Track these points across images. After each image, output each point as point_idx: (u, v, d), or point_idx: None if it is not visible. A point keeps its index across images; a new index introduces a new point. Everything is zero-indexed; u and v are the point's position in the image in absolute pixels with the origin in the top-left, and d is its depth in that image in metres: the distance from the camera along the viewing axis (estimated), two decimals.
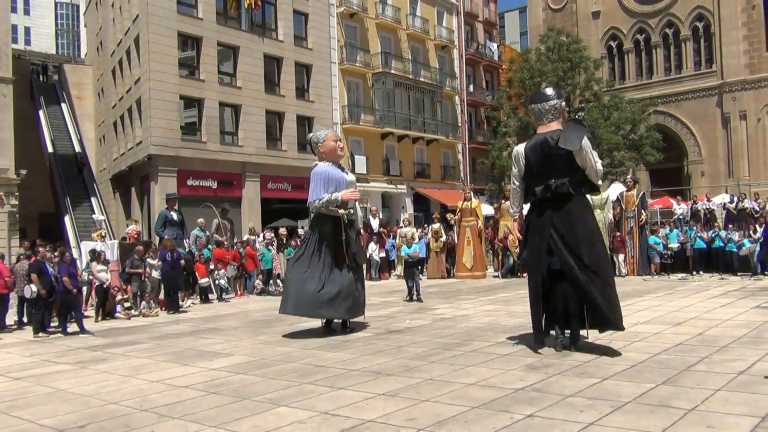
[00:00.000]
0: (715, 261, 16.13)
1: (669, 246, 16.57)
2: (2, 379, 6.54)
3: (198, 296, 14.61)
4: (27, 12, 74.73)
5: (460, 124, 42.56)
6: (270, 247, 16.95)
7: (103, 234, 15.75)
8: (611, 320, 6.19)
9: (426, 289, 13.24)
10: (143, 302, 12.40)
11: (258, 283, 16.21)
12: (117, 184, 34.99)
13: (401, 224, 20.40)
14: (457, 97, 42.64)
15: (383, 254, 19.01)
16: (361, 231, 13.05)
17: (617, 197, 17.20)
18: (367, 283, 9.94)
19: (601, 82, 39.29)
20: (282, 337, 8.48)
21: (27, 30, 72.95)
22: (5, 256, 12.94)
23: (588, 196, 6.70)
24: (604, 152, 32.68)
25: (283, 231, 18.75)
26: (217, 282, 14.97)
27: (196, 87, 28.67)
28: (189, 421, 4.54)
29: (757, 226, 16.76)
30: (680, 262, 16.46)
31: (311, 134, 9.29)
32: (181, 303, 13.25)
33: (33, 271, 10.27)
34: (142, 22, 27.90)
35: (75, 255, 15.08)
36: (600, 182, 6.79)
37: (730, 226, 17.69)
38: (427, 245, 18.45)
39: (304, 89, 33.63)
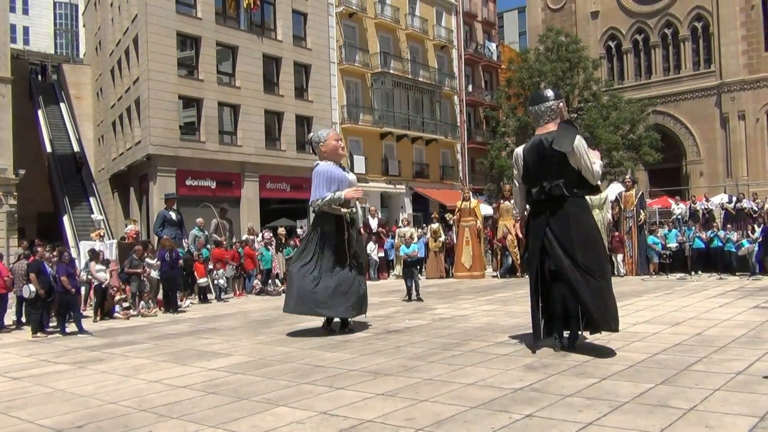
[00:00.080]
0: (714, 261, 16.14)
1: (667, 246, 16.57)
2: (1, 379, 6.53)
3: (197, 296, 14.61)
4: (26, 12, 74.68)
5: (458, 124, 42.57)
6: (269, 247, 16.95)
7: (102, 234, 15.74)
8: (599, 322, 6.20)
9: (425, 288, 13.24)
10: (142, 302, 12.39)
11: (257, 283, 16.20)
12: (116, 184, 34.96)
13: (400, 224, 20.41)
14: (456, 97, 42.64)
15: (382, 254, 19.01)
16: (361, 231, 13.05)
17: (616, 197, 17.22)
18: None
19: (600, 82, 39.31)
20: (281, 337, 8.47)
21: (26, 30, 72.89)
22: (4, 256, 12.93)
23: (587, 196, 6.71)
24: (602, 152, 32.68)
25: (281, 231, 18.74)
26: (215, 282, 14.96)
27: (195, 87, 28.65)
28: (187, 421, 4.54)
29: (755, 226, 16.77)
30: (679, 262, 16.47)
31: (312, 134, 9.31)
32: (179, 303, 13.24)
33: (31, 270, 10.26)
34: (141, 22, 27.88)
35: (73, 255, 15.06)
36: (599, 182, 6.80)
37: (729, 226, 17.71)
38: (426, 245, 18.45)
39: (303, 89, 33.63)
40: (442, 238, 18.42)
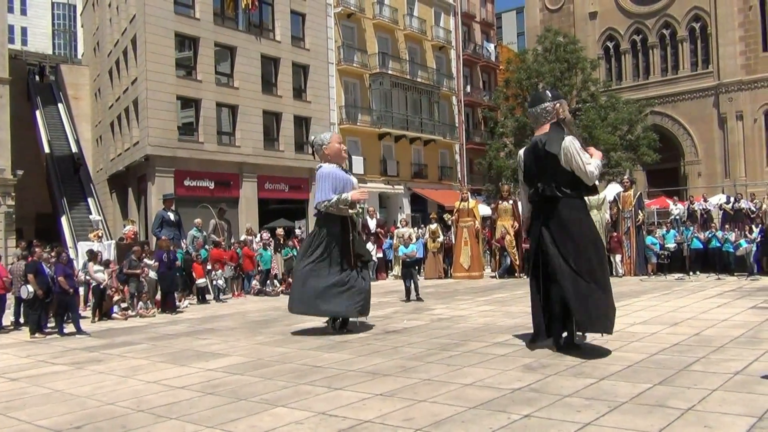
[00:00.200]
0: (712, 261, 16.16)
1: (666, 246, 16.59)
2: None
3: (195, 297, 14.60)
4: (24, 12, 74.62)
5: (457, 125, 42.58)
6: (267, 247, 16.95)
7: (100, 234, 15.74)
8: (583, 324, 6.21)
9: (423, 289, 13.24)
10: (140, 303, 12.38)
11: (255, 283, 16.20)
12: (114, 184, 34.93)
13: (398, 225, 20.41)
14: (454, 98, 42.66)
15: (380, 254, 19.01)
16: (360, 231, 13.11)
17: (614, 197, 17.25)
18: None
19: (598, 83, 39.30)
20: (279, 337, 8.47)
21: (24, 30, 72.82)
22: (2, 257, 12.93)
23: (586, 197, 6.71)
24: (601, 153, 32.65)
25: (280, 231, 18.74)
26: (214, 282, 14.95)
27: (193, 87, 28.63)
28: (186, 421, 4.54)
29: (753, 226, 16.79)
30: (677, 263, 16.49)
31: (314, 136, 9.36)
32: (178, 303, 13.24)
33: (29, 271, 10.24)
34: (139, 23, 27.86)
35: (72, 255, 15.05)
36: (597, 183, 6.81)
37: (727, 226, 17.74)
38: (425, 245, 18.46)
39: (301, 90, 33.62)
40: (441, 238, 18.42)
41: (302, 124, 33.19)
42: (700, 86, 42.43)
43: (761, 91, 40.38)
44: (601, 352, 6.19)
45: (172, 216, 15.52)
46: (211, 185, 28.69)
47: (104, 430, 4.46)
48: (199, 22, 28.94)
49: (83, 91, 42.46)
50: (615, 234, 16.57)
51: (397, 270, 18.23)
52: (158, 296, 13.19)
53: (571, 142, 6.23)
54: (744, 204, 21.01)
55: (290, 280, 16.12)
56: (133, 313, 12.16)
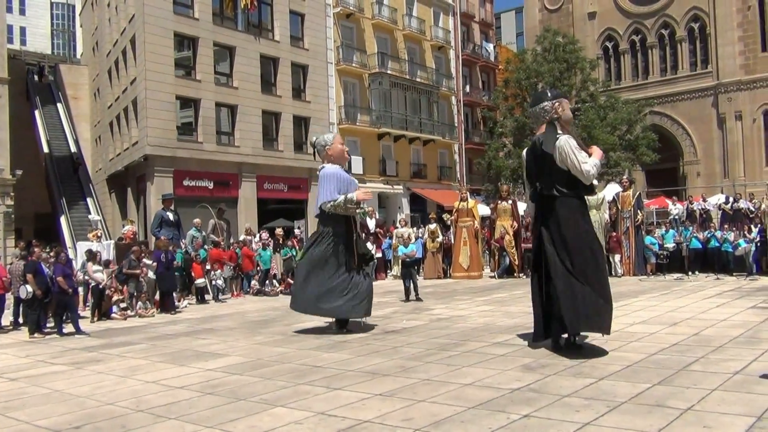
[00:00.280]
0: (711, 261, 16.17)
1: (665, 246, 16.61)
2: None
3: (194, 297, 14.59)
4: (22, 12, 74.55)
5: (456, 125, 42.59)
6: (267, 247, 16.94)
7: (99, 234, 15.73)
8: (570, 324, 6.17)
9: (422, 289, 13.24)
10: (139, 303, 12.38)
11: (254, 283, 16.19)
12: (113, 184, 34.92)
13: (398, 225, 20.41)
14: (453, 98, 42.67)
15: (379, 254, 19.00)
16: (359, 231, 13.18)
17: (613, 197, 17.26)
18: None
19: (597, 83, 39.37)
20: (278, 337, 8.47)
21: (23, 30, 72.75)
22: (1, 257, 12.91)
23: (586, 197, 6.71)
24: None
25: (279, 231, 18.73)
26: (213, 282, 14.94)
27: (192, 87, 28.63)
28: (185, 421, 4.54)
29: (752, 226, 16.79)
30: (676, 263, 16.50)
31: (316, 137, 9.38)
32: (177, 303, 13.23)
33: (28, 271, 10.23)
34: (138, 22, 27.85)
35: (71, 255, 15.04)
36: (596, 182, 6.81)
37: (726, 226, 17.74)
38: (424, 245, 18.46)
39: (300, 89, 33.62)
40: (440, 238, 18.42)
41: (301, 124, 33.19)
42: (699, 86, 42.48)
43: (760, 91, 40.43)
44: (600, 352, 6.20)
45: (171, 216, 15.52)
46: (210, 185, 28.69)
47: (103, 430, 4.46)
48: (198, 22, 28.94)
49: (82, 91, 42.45)
50: (614, 234, 16.57)
51: (396, 270, 18.23)
52: (157, 296, 13.17)
53: (565, 141, 6.22)
54: (743, 204, 21.02)
55: (289, 280, 16.15)
56: (132, 313, 12.16)
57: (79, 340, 9.31)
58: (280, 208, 31.94)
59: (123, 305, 12.35)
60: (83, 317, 11.33)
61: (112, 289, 12.30)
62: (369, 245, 18.31)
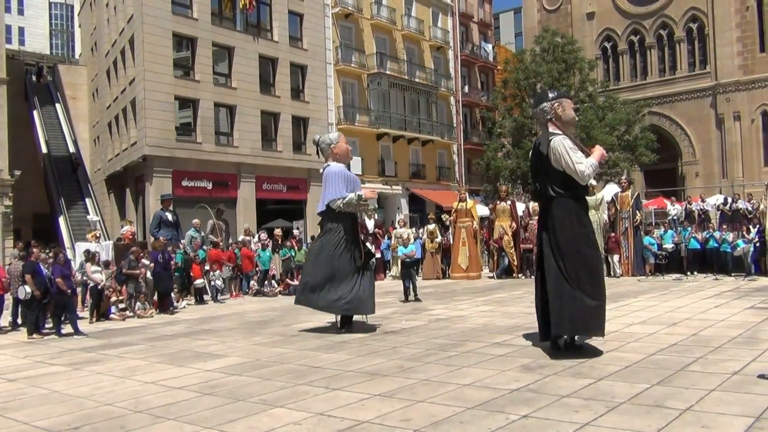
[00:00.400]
0: (710, 261, 16.19)
1: (663, 246, 16.62)
2: None
3: (193, 297, 14.58)
4: (21, 12, 74.45)
5: (455, 125, 42.59)
6: (266, 248, 16.93)
7: (98, 235, 15.72)
8: (556, 326, 6.18)
9: (421, 289, 13.24)
10: (138, 303, 12.37)
11: (253, 284, 16.18)
12: (111, 184, 34.89)
13: (397, 225, 20.42)
14: (452, 98, 42.67)
15: (378, 255, 19.00)
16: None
17: (612, 198, 17.27)
18: None
19: (596, 83, 39.38)
20: (277, 338, 8.47)
21: (21, 30, 72.65)
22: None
23: (587, 197, 6.72)
24: None
25: (278, 232, 18.72)
26: (212, 283, 14.94)
27: (191, 87, 28.60)
28: (184, 422, 4.54)
29: (750, 226, 16.81)
30: (675, 263, 16.52)
31: (320, 136, 9.46)
32: (176, 304, 13.23)
33: (27, 272, 10.23)
34: (137, 23, 27.83)
35: (69, 256, 15.03)
36: (594, 182, 6.84)
37: (724, 226, 17.75)
38: (423, 246, 18.46)
39: (299, 90, 33.60)
40: (439, 239, 18.43)
41: (300, 124, 33.18)
42: (697, 87, 42.52)
43: (758, 92, 40.48)
44: (599, 353, 6.20)
45: (170, 216, 15.51)
46: (209, 185, 28.67)
47: (102, 431, 4.46)
48: (196, 22, 28.91)
49: (81, 91, 42.41)
50: (613, 234, 16.58)
51: (395, 270, 18.24)
52: (155, 297, 13.17)
53: (559, 142, 6.22)
54: (741, 204, 21.03)
55: (288, 281, 16.17)
56: (131, 314, 12.15)
57: (78, 341, 9.30)
58: (279, 208, 31.92)
59: (122, 306, 12.34)
60: (82, 318, 11.32)
61: (111, 290, 12.30)
62: (368, 245, 18.42)
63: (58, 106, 40.32)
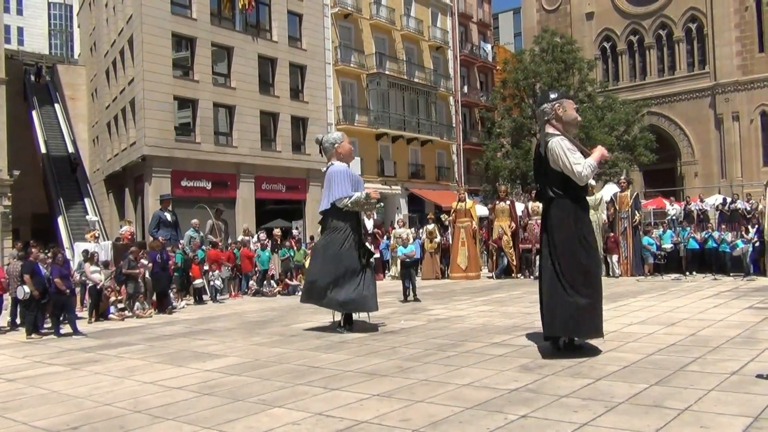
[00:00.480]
0: (708, 261, 16.20)
1: (662, 247, 16.63)
2: None
3: (192, 297, 14.58)
4: (20, 12, 74.36)
5: (454, 125, 42.60)
6: (265, 248, 16.93)
7: (97, 235, 15.71)
8: (547, 325, 6.24)
9: (420, 289, 13.24)
10: (137, 303, 12.37)
11: (252, 284, 16.18)
12: (111, 184, 34.87)
13: (396, 225, 20.43)
14: (451, 98, 42.68)
15: (377, 255, 18.99)
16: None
17: (611, 198, 17.27)
18: None
19: (595, 83, 39.40)
20: (276, 338, 8.47)
21: (20, 30, 72.57)
22: None
23: (588, 197, 6.72)
24: None
25: (277, 232, 18.73)
26: (211, 283, 14.93)
27: (190, 88, 28.59)
28: (183, 422, 4.54)
29: (749, 226, 16.82)
30: (673, 263, 16.53)
31: (323, 135, 9.50)
32: (175, 304, 13.23)
33: (26, 272, 10.23)
34: (136, 23, 27.82)
35: (68, 256, 15.03)
36: (593, 182, 6.84)
37: (723, 226, 17.77)
38: (422, 246, 18.47)
39: (298, 90, 33.59)
40: (438, 239, 18.44)
41: (299, 124, 33.17)
42: (696, 87, 42.56)
43: (757, 92, 40.51)
44: (598, 353, 6.21)
45: (169, 216, 15.51)
46: (209, 186, 28.66)
47: (101, 431, 4.46)
48: (196, 22, 28.90)
49: (80, 91, 42.38)
50: (612, 234, 16.59)
51: (394, 270, 18.25)
52: (154, 297, 13.17)
53: (557, 143, 6.21)
54: (740, 204, 21.05)
55: (287, 281, 16.17)
56: (130, 314, 12.15)
57: (77, 341, 9.30)
58: (278, 208, 31.92)
59: (120, 306, 12.34)
60: (80, 318, 11.32)
61: (110, 290, 12.30)
62: (367, 245, 18.41)
63: (57, 106, 40.29)
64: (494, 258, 18.07)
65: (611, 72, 46.29)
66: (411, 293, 12.42)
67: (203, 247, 15.62)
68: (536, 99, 37.31)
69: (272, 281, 16.35)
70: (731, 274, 15.22)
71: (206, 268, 14.98)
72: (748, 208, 20.23)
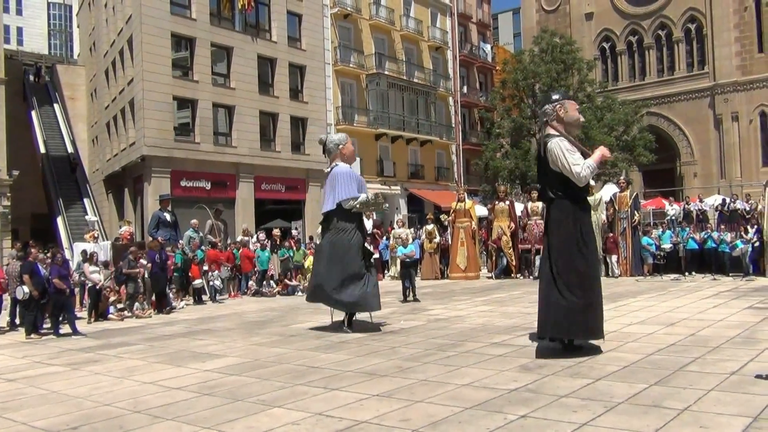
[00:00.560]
0: (708, 262, 16.20)
1: (662, 247, 16.63)
2: None
3: (191, 297, 14.58)
4: (19, 12, 74.32)
5: (453, 125, 42.62)
6: (265, 248, 16.92)
7: (96, 235, 15.70)
8: (540, 326, 6.26)
9: (420, 289, 13.24)
10: (136, 303, 12.37)
11: (252, 284, 16.18)
12: (110, 185, 34.87)
13: (395, 225, 20.42)
14: (450, 98, 42.69)
15: (377, 255, 18.98)
16: None
17: (610, 198, 17.28)
18: None
19: (594, 84, 39.42)
20: (276, 338, 8.47)
21: (19, 30, 72.53)
22: None
23: (588, 198, 6.72)
24: None
25: (276, 232, 18.72)
26: (210, 283, 14.93)
27: (189, 88, 28.59)
28: (182, 422, 4.54)
29: (748, 226, 16.83)
30: (673, 263, 16.53)
31: (327, 136, 9.60)
32: (174, 304, 13.23)
33: (25, 272, 10.23)
34: (136, 23, 27.82)
35: (68, 256, 15.02)
36: (592, 182, 6.83)
37: (722, 226, 17.77)
38: (421, 246, 18.47)
39: (297, 90, 33.60)
40: (437, 239, 18.44)
41: (299, 124, 33.18)
42: (695, 87, 42.58)
43: (756, 92, 40.53)
44: (597, 353, 6.21)
45: (168, 216, 15.50)
46: (208, 186, 28.66)
47: (101, 431, 4.46)
48: (195, 22, 28.90)
49: (79, 91, 42.37)
50: (611, 235, 16.60)
51: (393, 271, 18.25)
52: (153, 297, 13.17)
53: (556, 144, 6.20)
54: (739, 205, 21.05)
55: (287, 281, 16.17)
56: (129, 314, 12.15)
57: (76, 341, 9.30)
58: (277, 208, 31.92)
59: (120, 306, 12.34)
60: (80, 318, 11.32)
61: (109, 290, 12.29)
62: (366, 245, 18.41)
63: (56, 106, 40.28)
64: (493, 258, 18.07)
65: (610, 72, 46.32)
66: (410, 293, 12.42)
67: (202, 247, 15.61)
68: (535, 99, 37.46)
69: (271, 281, 16.35)
70: (730, 275, 15.22)
71: (205, 268, 14.98)
72: (748, 209, 20.24)
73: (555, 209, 6.33)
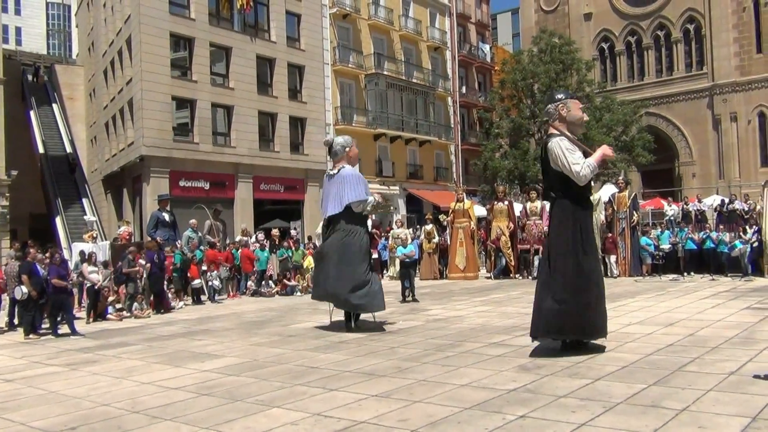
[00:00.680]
0: (706, 262, 16.21)
1: (660, 247, 16.65)
2: None
3: (190, 297, 14.57)
4: (18, 12, 74.26)
5: (452, 126, 42.61)
6: (264, 248, 16.92)
7: (95, 235, 15.69)
8: (533, 326, 6.28)
9: (419, 290, 13.26)
10: (135, 304, 12.36)
11: (250, 284, 16.17)
12: (109, 185, 34.83)
13: (394, 225, 20.42)
14: (449, 99, 42.68)
15: (375, 255, 19.00)
16: None
17: (609, 198, 17.30)
18: None
19: (593, 84, 39.43)
20: (274, 338, 8.47)
21: (18, 30, 72.47)
22: None
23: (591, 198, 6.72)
24: None
25: (275, 232, 18.72)
26: (209, 283, 14.92)
27: (188, 88, 28.57)
28: (181, 422, 4.53)
29: (747, 227, 16.85)
30: (671, 263, 16.54)
31: (333, 138, 9.65)
32: (173, 304, 13.22)
33: (23, 272, 10.23)
34: (134, 23, 27.80)
35: (66, 256, 15.01)
36: (593, 182, 6.82)
37: (721, 227, 17.79)
38: (420, 246, 18.47)
39: (296, 90, 33.58)
40: (436, 239, 18.44)
41: (298, 124, 33.16)
42: (694, 87, 42.61)
43: (755, 93, 40.57)
44: (596, 353, 6.21)
45: (167, 217, 15.49)
46: (207, 186, 28.63)
47: (99, 431, 4.46)
48: (194, 22, 28.88)
49: (78, 91, 42.33)
50: (610, 235, 16.61)
51: (392, 271, 18.25)
52: (152, 297, 13.16)
53: (556, 143, 6.20)
54: (738, 205, 21.08)
55: (285, 281, 16.17)
56: (128, 314, 12.14)
57: (75, 341, 9.29)
58: (276, 208, 31.90)
59: (118, 306, 12.33)
60: (79, 318, 11.31)
61: (107, 290, 12.29)
62: None
63: (55, 106, 40.22)
64: (492, 258, 18.08)
65: (609, 73, 46.33)
66: (409, 294, 12.42)
67: (201, 247, 15.61)
68: (534, 100, 37.49)
69: (270, 281, 16.34)
70: (729, 275, 15.23)
71: (204, 268, 14.97)
72: (746, 209, 20.26)
73: (556, 209, 6.34)
